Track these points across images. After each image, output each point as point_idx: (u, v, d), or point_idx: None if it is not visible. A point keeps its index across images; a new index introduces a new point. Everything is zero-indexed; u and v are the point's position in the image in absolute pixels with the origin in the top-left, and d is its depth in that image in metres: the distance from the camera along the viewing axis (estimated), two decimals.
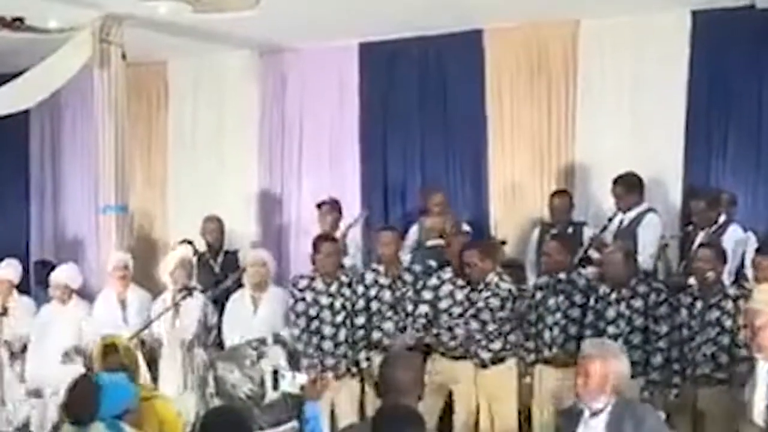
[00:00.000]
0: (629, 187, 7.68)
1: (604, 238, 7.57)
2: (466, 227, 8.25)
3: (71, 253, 10.38)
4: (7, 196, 11.05)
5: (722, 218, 7.38)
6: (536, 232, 8.16)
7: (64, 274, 8.25)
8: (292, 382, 4.71)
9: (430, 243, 8.24)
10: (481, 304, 6.94)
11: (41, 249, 10.82)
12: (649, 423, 4.53)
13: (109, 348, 5.51)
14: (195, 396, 7.32)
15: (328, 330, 7.27)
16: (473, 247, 7.15)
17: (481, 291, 6.98)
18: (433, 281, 7.23)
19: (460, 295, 7.09)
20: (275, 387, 4.73)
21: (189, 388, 7.46)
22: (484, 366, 6.97)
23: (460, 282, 7.10)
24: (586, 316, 6.80)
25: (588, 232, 7.85)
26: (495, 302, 6.93)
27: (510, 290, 6.99)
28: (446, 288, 7.15)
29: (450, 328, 7.03)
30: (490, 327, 6.91)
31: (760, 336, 5.02)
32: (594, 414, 4.60)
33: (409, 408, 4.21)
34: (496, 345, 6.93)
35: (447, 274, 7.23)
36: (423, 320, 7.13)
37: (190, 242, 8.47)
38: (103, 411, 4.60)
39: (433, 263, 7.80)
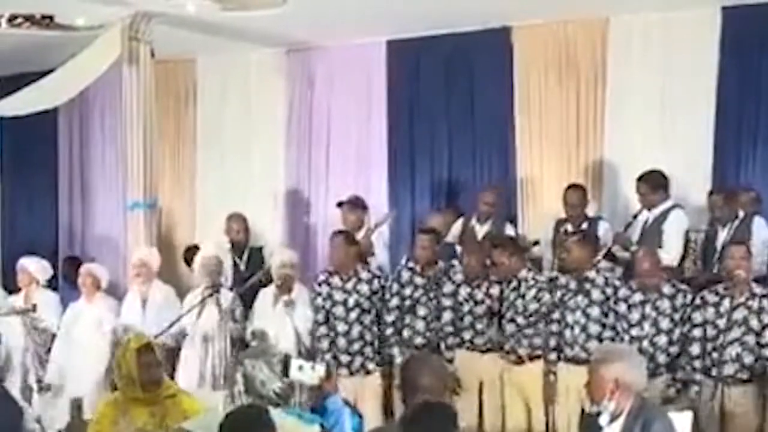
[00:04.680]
0: (654, 184, 7.57)
1: (630, 236, 7.51)
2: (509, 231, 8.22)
3: (99, 249, 10.46)
4: (36, 193, 11.13)
5: (741, 213, 7.32)
6: (551, 227, 8.09)
7: (93, 265, 8.40)
8: (311, 374, 4.67)
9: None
10: (518, 301, 6.93)
11: (70, 246, 10.88)
12: (656, 427, 4.49)
13: (145, 347, 5.44)
14: (222, 394, 7.33)
15: (341, 327, 7.29)
16: (500, 246, 7.16)
17: (515, 288, 6.98)
18: (449, 287, 7.27)
19: (480, 295, 7.13)
20: (285, 374, 4.67)
21: (207, 384, 7.47)
22: (520, 362, 6.94)
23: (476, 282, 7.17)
24: (608, 316, 6.76)
25: (603, 226, 7.78)
26: (530, 294, 6.92)
27: (544, 281, 7.02)
28: (464, 291, 7.20)
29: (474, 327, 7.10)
30: (520, 320, 6.89)
31: None
32: (614, 418, 4.56)
33: (442, 404, 4.17)
34: (536, 340, 6.89)
35: (458, 275, 7.28)
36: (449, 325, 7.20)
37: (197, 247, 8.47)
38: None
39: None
